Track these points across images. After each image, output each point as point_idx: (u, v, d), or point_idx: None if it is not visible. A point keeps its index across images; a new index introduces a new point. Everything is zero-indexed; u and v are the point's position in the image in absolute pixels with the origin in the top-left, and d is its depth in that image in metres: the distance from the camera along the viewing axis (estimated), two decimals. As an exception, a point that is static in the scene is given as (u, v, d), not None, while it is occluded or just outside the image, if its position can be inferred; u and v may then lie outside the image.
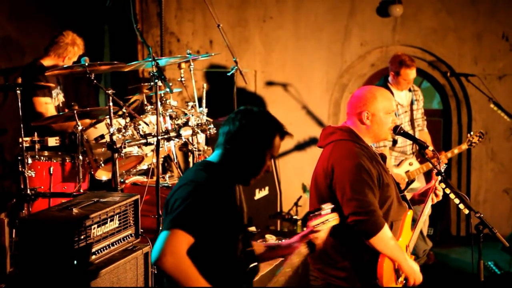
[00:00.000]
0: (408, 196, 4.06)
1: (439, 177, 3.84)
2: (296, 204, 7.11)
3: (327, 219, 3.21)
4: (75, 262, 3.79)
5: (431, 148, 3.91)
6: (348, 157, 3.64)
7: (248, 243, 3.21)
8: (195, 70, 5.93)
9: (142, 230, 4.38)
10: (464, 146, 6.15)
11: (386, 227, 3.59)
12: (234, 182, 3.12)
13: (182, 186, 2.96)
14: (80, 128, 5.17)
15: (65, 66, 5.52)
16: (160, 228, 2.91)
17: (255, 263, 3.15)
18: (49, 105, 5.80)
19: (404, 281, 3.81)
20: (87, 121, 5.52)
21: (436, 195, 3.94)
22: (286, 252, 3.26)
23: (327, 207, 3.24)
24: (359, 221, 3.56)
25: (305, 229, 3.26)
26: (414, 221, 3.94)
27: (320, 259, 3.79)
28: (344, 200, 3.60)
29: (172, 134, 5.23)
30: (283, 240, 3.36)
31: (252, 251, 3.28)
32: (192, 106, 5.60)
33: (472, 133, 6.15)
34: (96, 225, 3.96)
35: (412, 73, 6.18)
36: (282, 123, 3.16)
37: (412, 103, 6.39)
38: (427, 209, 3.96)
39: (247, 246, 3.18)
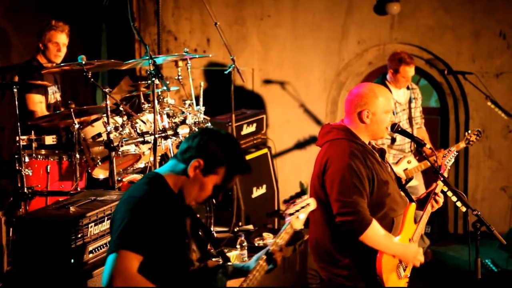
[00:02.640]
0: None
1: (440, 182, 3.84)
2: (292, 202, 7.09)
3: (303, 206, 3.16)
4: (72, 260, 3.79)
5: (428, 146, 3.91)
6: (339, 157, 3.65)
7: (207, 253, 3.10)
8: (193, 68, 5.93)
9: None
10: (462, 145, 6.15)
11: (373, 224, 3.59)
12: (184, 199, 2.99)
13: (121, 205, 2.88)
14: (77, 126, 5.17)
15: (62, 64, 5.51)
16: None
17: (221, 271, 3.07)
18: (42, 103, 5.79)
19: (409, 275, 3.82)
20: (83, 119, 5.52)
21: (437, 202, 3.93)
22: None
23: (302, 194, 3.19)
24: (345, 222, 3.57)
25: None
26: (415, 220, 3.94)
27: (322, 258, 3.80)
28: (331, 200, 3.62)
29: (170, 132, 5.23)
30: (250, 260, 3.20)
31: (222, 265, 3.17)
32: (189, 105, 5.60)
33: (470, 131, 6.15)
34: (93, 224, 3.96)
35: (411, 71, 6.18)
36: (243, 159, 3.02)
37: (410, 101, 6.40)
38: (427, 216, 3.95)
39: (207, 256, 3.10)
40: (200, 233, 3.09)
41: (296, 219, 3.14)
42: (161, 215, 2.82)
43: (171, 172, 2.96)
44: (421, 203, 3.99)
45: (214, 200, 3.21)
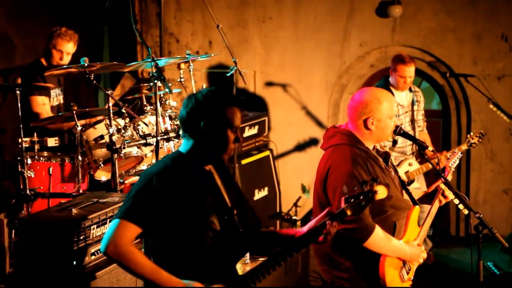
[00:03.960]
0: (418, 194, 4.06)
1: (442, 182, 3.83)
2: (295, 204, 7.10)
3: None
4: (75, 262, 3.79)
5: (430, 148, 3.90)
6: (341, 164, 3.64)
7: (236, 226, 3.14)
8: (195, 71, 5.93)
9: (141, 231, 4.37)
10: (464, 147, 6.14)
11: (377, 230, 3.59)
12: (208, 164, 3.13)
13: (139, 178, 3.07)
14: (79, 128, 5.17)
15: (64, 66, 5.52)
16: None
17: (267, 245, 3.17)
18: (46, 105, 5.80)
19: (412, 278, 3.82)
20: (83, 121, 5.52)
21: (445, 197, 3.93)
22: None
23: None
24: (349, 230, 3.56)
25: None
26: (419, 223, 3.94)
27: (324, 261, 3.80)
28: (333, 207, 3.60)
29: (172, 134, 5.23)
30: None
31: (270, 234, 3.31)
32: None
33: (472, 133, 6.13)
34: (95, 226, 3.96)
35: (408, 71, 6.14)
36: (231, 93, 3.23)
37: (413, 104, 6.39)
38: (435, 209, 3.95)
39: (235, 228, 3.14)
40: (229, 203, 3.13)
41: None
42: (169, 190, 2.96)
43: (189, 149, 3.10)
44: (429, 198, 3.99)
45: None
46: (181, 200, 2.97)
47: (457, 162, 4.23)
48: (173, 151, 5.41)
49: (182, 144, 3.15)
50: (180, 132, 3.16)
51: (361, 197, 3.05)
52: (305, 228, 3.17)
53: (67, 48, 5.82)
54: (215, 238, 3.03)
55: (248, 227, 3.21)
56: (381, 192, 3.10)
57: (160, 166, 3.05)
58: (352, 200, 3.06)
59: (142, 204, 2.94)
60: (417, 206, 3.86)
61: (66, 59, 5.84)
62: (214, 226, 3.04)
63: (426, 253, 6.44)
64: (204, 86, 5.90)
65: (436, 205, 3.93)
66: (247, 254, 4.94)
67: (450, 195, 3.90)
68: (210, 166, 3.15)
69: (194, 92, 3.17)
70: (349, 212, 3.04)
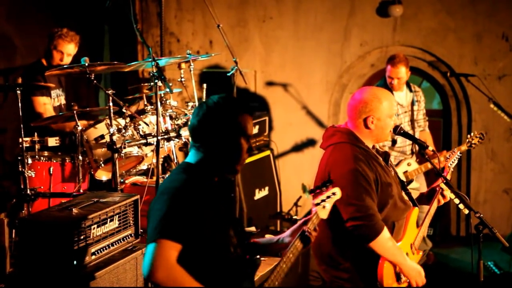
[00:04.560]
0: (414, 195, 4.06)
1: (443, 181, 3.83)
2: (296, 204, 7.11)
3: (328, 196, 3.19)
4: (75, 262, 3.79)
5: (431, 148, 3.90)
6: (344, 162, 3.64)
7: (244, 237, 3.14)
8: (195, 70, 5.93)
9: (142, 230, 4.38)
10: (464, 147, 6.13)
11: (385, 231, 3.59)
12: (217, 176, 3.02)
13: (159, 196, 2.90)
14: (80, 128, 5.17)
15: (65, 66, 5.52)
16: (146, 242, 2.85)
17: (256, 256, 3.11)
18: (47, 105, 5.80)
19: (408, 281, 3.82)
20: (85, 122, 5.52)
21: (444, 196, 3.93)
22: (288, 242, 3.16)
23: (328, 183, 3.22)
24: (357, 226, 3.56)
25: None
26: (418, 223, 3.94)
27: (324, 261, 3.80)
28: (341, 205, 3.60)
29: (172, 134, 5.23)
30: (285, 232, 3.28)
31: (253, 243, 3.25)
32: (192, 106, 5.61)
33: (472, 134, 6.12)
34: (95, 225, 3.96)
35: (395, 72, 6.14)
36: (243, 100, 3.07)
37: (413, 104, 6.39)
38: (433, 210, 3.95)
39: (244, 239, 3.13)
40: (236, 217, 3.12)
41: (322, 209, 3.17)
42: (199, 203, 2.83)
43: (199, 160, 2.99)
44: (428, 199, 3.99)
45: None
46: (206, 213, 2.85)
47: (456, 161, 4.22)
48: (174, 151, 5.43)
49: (190, 155, 3.03)
50: (189, 141, 3.05)
51: (326, 198, 3.15)
52: (285, 235, 3.18)
53: (68, 49, 5.82)
54: (235, 252, 2.98)
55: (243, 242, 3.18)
56: (338, 193, 3.23)
57: (180, 180, 2.90)
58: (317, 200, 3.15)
59: (177, 219, 2.77)
60: (416, 208, 3.86)
61: (67, 60, 5.84)
62: (233, 239, 2.99)
63: (426, 253, 6.50)
64: (205, 86, 5.89)
65: (434, 205, 3.93)
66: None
67: (448, 195, 3.90)
68: (217, 179, 3.04)
69: (204, 98, 3.07)
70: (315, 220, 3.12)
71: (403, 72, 6.16)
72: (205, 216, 2.84)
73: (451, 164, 4.13)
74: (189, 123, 3.03)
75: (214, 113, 2.96)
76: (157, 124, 4.93)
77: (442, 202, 3.94)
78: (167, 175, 5.78)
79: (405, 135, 3.94)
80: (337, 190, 3.22)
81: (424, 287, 3.80)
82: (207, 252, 2.85)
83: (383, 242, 3.59)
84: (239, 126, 2.97)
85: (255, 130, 6.84)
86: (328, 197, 3.18)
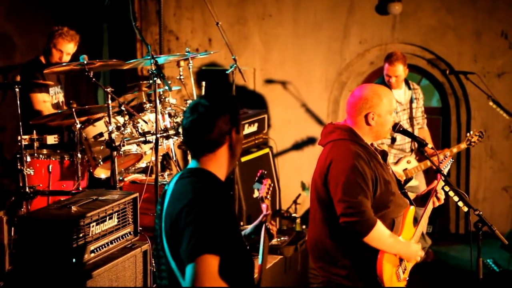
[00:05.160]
0: (411, 196, 4.06)
1: (442, 179, 3.83)
2: (295, 202, 7.11)
3: (270, 187, 3.32)
4: (74, 260, 3.79)
5: (430, 145, 3.90)
6: (343, 158, 3.64)
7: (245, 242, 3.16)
8: (194, 68, 5.92)
9: (141, 228, 4.38)
10: (463, 145, 6.13)
11: (378, 225, 3.59)
12: (225, 176, 2.97)
13: (185, 207, 2.76)
14: (78, 126, 5.17)
15: (64, 63, 5.52)
16: (184, 260, 2.72)
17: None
18: (46, 103, 5.80)
19: (408, 277, 3.82)
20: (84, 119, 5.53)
21: (438, 199, 3.93)
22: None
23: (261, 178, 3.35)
24: (350, 222, 3.56)
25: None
26: (416, 220, 3.94)
27: (321, 258, 3.79)
28: (335, 200, 3.61)
29: (171, 132, 5.23)
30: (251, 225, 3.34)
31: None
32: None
33: (471, 132, 6.12)
34: (94, 223, 3.96)
35: (391, 70, 6.14)
36: (231, 95, 3.04)
37: (411, 101, 6.38)
38: (429, 211, 3.95)
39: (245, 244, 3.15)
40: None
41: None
42: (222, 209, 2.77)
43: (204, 163, 2.91)
44: (422, 200, 3.99)
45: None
46: (231, 219, 2.82)
47: (448, 167, 4.21)
48: (173, 149, 5.42)
49: (195, 160, 2.92)
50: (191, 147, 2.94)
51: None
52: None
53: (68, 48, 5.82)
54: (247, 258, 2.95)
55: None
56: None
57: (204, 188, 2.80)
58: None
59: (212, 231, 2.69)
60: (413, 207, 3.86)
61: (66, 59, 5.83)
62: (244, 245, 3.00)
63: (426, 250, 6.50)
64: (204, 83, 5.89)
65: (430, 207, 3.93)
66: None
67: (442, 197, 3.90)
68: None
69: (199, 95, 3.03)
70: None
71: (400, 70, 6.16)
72: (228, 222, 2.79)
73: (444, 169, 4.13)
74: (184, 126, 2.93)
75: (209, 115, 2.86)
76: (156, 122, 4.93)
77: (437, 204, 3.94)
78: (166, 173, 5.79)
79: (404, 132, 3.94)
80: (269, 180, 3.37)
81: (424, 285, 3.80)
82: (234, 258, 2.80)
83: (377, 235, 3.59)
84: (239, 123, 2.93)
85: (254, 127, 6.84)
86: (269, 189, 3.31)
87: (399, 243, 3.72)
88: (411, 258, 3.79)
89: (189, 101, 5.63)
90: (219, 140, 2.86)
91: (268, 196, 3.28)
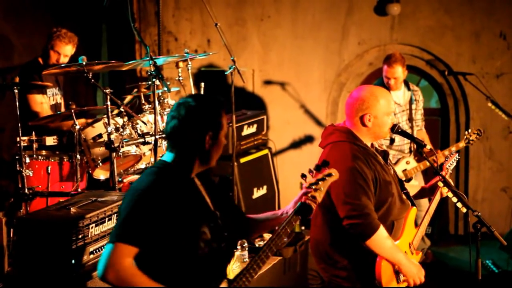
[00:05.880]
0: (414, 191, 4.06)
1: (441, 180, 3.83)
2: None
3: (324, 178, 3.14)
4: (73, 261, 3.79)
5: (429, 146, 3.90)
6: (343, 160, 3.64)
7: (221, 230, 3.13)
8: (193, 69, 5.92)
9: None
10: (462, 144, 6.14)
11: (381, 229, 3.59)
12: (194, 172, 3.08)
13: (126, 196, 2.97)
14: (77, 127, 5.17)
15: (62, 65, 5.51)
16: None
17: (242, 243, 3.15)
18: (44, 104, 5.80)
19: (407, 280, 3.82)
20: (83, 121, 5.52)
21: (441, 193, 3.95)
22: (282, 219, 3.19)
23: (323, 165, 3.16)
24: (353, 225, 3.56)
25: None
26: (417, 223, 3.94)
27: (322, 259, 3.80)
28: (338, 203, 3.61)
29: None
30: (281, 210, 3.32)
31: (250, 219, 3.33)
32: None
33: (470, 130, 6.13)
34: (94, 225, 3.96)
35: (391, 72, 6.13)
36: (217, 97, 3.12)
37: (411, 103, 6.38)
38: (435, 204, 3.94)
39: (223, 232, 3.13)
40: (213, 210, 3.11)
41: (316, 192, 3.12)
42: (162, 206, 2.88)
43: (175, 159, 3.03)
44: (429, 191, 4.00)
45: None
46: (172, 214, 2.90)
47: (454, 164, 4.22)
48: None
49: (167, 154, 3.07)
50: (168, 139, 3.08)
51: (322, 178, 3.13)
52: (289, 207, 3.20)
53: (65, 50, 5.81)
54: (207, 248, 3.00)
55: (233, 223, 3.23)
56: (335, 174, 3.16)
57: (147, 181, 2.95)
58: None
59: (135, 223, 2.85)
60: (414, 207, 3.86)
61: (63, 60, 5.82)
62: (205, 236, 3.01)
63: (425, 251, 6.50)
64: (203, 85, 5.89)
65: (436, 200, 3.93)
66: (246, 253, 4.94)
67: (447, 193, 3.90)
68: (194, 175, 3.10)
69: (180, 100, 3.08)
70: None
71: (399, 71, 6.15)
72: (169, 218, 2.88)
73: (449, 166, 4.13)
74: (167, 122, 3.06)
75: (196, 112, 3.00)
76: (155, 123, 4.93)
77: (445, 194, 3.93)
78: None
79: (403, 133, 3.94)
80: (333, 171, 3.16)
81: (422, 286, 3.80)
82: (170, 252, 2.91)
83: (380, 240, 3.59)
84: (220, 123, 3.04)
85: (253, 129, 6.84)
86: (323, 179, 3.14)
87: (400, 255, 3.69)
88: (409, 276, 3.70)
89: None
90: (189, 140, 3.00)
91: (316, 186, 3.12)
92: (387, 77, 6.17)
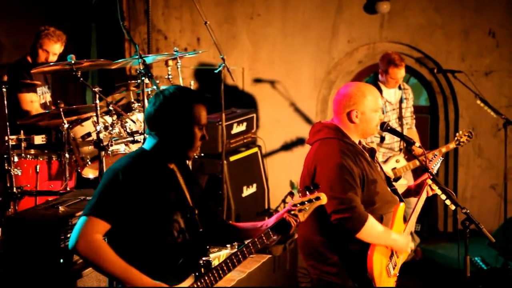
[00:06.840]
0: (402, 189, 4.07)
1: (430, 178, 3.84)
2: (283, 201, 7.11)
3: (311, 199, 3.17)
4: (62, 260, 3.78)
5: (418, 144, 3.91)
6: (330, 156, 3.65)
7: (197, 225, 3.16)
8: (183, 68, 5.91)
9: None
10: (452, 145, 6.14)
11: (370, 219, 3.60)
12: (171, 162, 3.16)
13: (104, 174, 3.07)
14: (66, 126, 5.15)
15: (51, 63, 5.49)
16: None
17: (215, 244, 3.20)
18: (34, 102, 5.78)
19: (398, 274, 3.83)
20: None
21: (432, 189, 3.95)
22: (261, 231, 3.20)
23: (314, 188, 3.20)
24: (342, 219, 3.57)
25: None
26: (405, 218, 3.96)
27: (311, 256, 3.80)
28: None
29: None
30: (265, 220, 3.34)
31: (231, 226, 3.36)
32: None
33: (460, 132, 6.12)
34: (82, 223, 3.94)
35: (400, 72, 6.17)
36: (197, 91, 3.21)
37: (401, 101, 6.40)
38: (422, 202, 3.97)
39: (197, 226, 3.16)
40: (188, 203, 3.15)
41: (300, 212, 3.16)
42: (135, 187, 2.97)
43: (153, 147, 3.12)
44: (416, 190, 4.02)
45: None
46: (145, 196, 2.98)
47: (438, 165, 4.24)
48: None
49: (147, 142, 3.16)
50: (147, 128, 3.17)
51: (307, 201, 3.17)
52: (270, 221, 3.21)
53: (54, 48, 5.80)
54: (179, 237, 3.06)
55: (209, 225, 3.27)
56: (323, 199, 3.20)
57: (124, 162, 3.04)
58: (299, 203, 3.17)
59: (109, 199, 2.95)
60: (403, 203, 3.87)
61: (52, 59, 5.81)
62: (178, 224, 3.07)
63: (414, 248, 6.52)
64: (192, 83, 5.89)
65: (421, 201, 3.94)
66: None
67: (436, 190, 3.91)
68: (173, 165, 3.17)
69: (159, 90, 3.15)
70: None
71: (404, 71, 6.20)
72: (142, 198, 2.97)
73: (434, 167, 4.14)
74: (146, 111, 3.15)
75: (169, 102, 3.08)
76: (144, 122, 4.91)
77: (431, 193, 3.96)
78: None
79: (392, 131, 3.95)
80: (322, 195, 3.21)
81: (412, 283, 3.81)
82: (141, 234, 2.99)
83: (371, 229, 3.60)
84: (193, 115, 3.09)
85: (243, 127, 6.84)
86: (311, 201, 3.18)
87: (391, 235, 3.72)
88: (402, 249, 3.80)
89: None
90: (162, 129, 3.08)
91: (301, 207, 3.18)
92: (393, 78, 6.16)
